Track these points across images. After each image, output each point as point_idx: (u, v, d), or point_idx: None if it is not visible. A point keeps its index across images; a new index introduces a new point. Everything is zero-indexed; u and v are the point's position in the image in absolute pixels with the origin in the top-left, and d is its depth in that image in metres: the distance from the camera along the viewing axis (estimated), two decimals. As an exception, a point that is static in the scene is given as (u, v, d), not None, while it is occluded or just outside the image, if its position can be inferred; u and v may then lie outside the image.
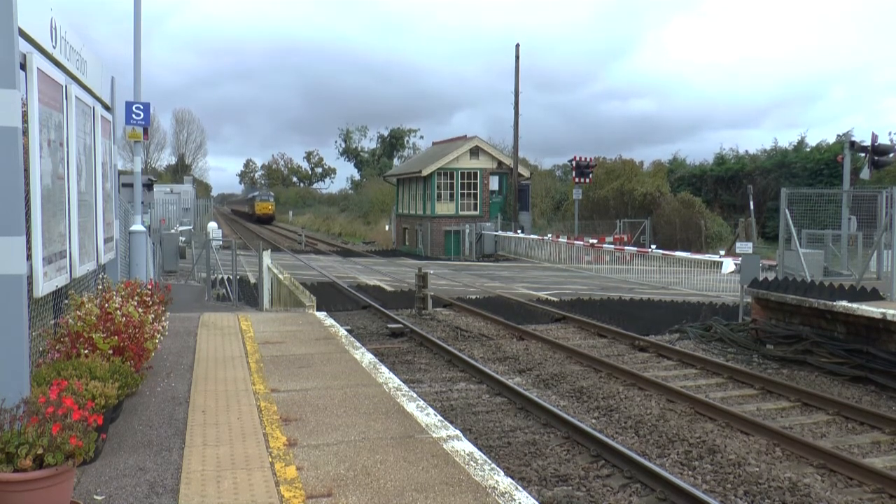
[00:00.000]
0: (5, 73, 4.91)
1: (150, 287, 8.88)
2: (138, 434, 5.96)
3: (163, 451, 5.55)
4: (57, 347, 6.51)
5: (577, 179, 43.36)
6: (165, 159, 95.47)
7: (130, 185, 14.90)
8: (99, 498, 4.68)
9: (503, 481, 4.96)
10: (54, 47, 6.82)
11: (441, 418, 6.51)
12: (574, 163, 43.71)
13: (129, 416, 6.42)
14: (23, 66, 5.56)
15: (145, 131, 14.37)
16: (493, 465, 5.29)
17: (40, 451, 4.12)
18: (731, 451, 8.38)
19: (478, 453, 5.54)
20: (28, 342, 5.24)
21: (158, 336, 7.72)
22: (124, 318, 6.94)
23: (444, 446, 5.66)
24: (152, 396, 7.13)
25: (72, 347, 6.41)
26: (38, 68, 5.88)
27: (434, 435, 5.96)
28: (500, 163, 45.77)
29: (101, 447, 5.29)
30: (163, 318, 8.26)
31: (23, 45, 5.55)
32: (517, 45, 43.30)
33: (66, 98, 7.05)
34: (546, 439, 8.92)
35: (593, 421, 9.73)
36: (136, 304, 7.60)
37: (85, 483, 4.88)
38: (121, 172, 14.28)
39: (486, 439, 8.85)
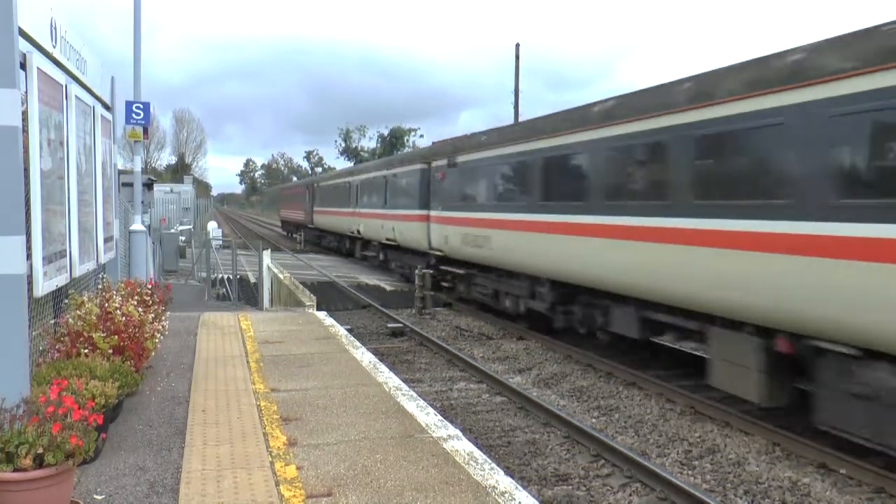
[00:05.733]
0: (5, 72, 4.88)
1: (150, 286, 8.87)
2: (138, 433, 5.95)
3: (163, 450, 5.54)
4: (57, 347, 6.49)
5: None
6: (165, 159, 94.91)
7: (130, 185, 14.87)
8: (99, 497, 4.66)
9: (503, 481, 4.96)
10: (54, 47, 6.79)
11: (441, 418, 6.53)
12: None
13: (129, 416, 6.41)
14: (23, 66, 5.53)
15: (145, 131, 14.31)
16: (493, 465, 5.30)
17: (40, 450, 4.09)
18: (730, 451, 8.39)
19: (478, 453, 5.54)
20: (28, 342, 5.21)
21: (158, 335, 7.71)
22: (124, 318, 6.93)
23: (444, 446, 5.66)
24: (152, 396, 7.11)
25: (72, 347, 6.40)
26: (37, 68, 5.86)
27: (434, 434, 5.97)
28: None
29: (101, 447, 5.28)
30: (163, 318, 8.27)
31: (23, 45, 5.53)
32: (517, 45, 43.13)
33: (66, 97, 7.02)
34: (546, 439, 8.94)
35: (593, 420, 9.75)
36: (136, 303, 7.58)
37: (85, 482, 4.87)
38: (121, 172, 14.27)
39: (487, 439, 8.85)
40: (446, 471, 5.11)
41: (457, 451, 5.56)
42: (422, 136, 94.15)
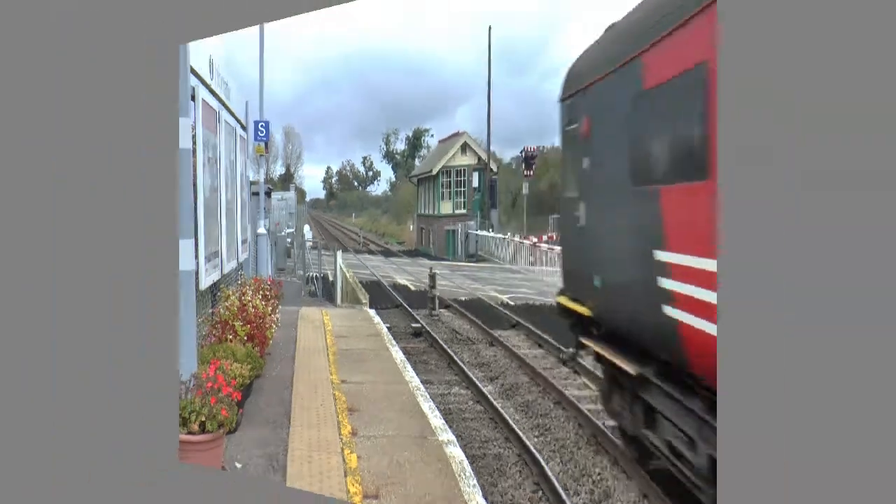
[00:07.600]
0: (182, 105, 4.52)
1: (269, 283, 8.66)
2: (262, 411, 5.63)
3: (277, 428, 5.25)
4: (213, 332, 6.39)
5: (525, 172, 30.95)
6: (277, 170, 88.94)
7: (256, 194, 14.27)
8: (239, 465, 4.59)
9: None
10: (212, 80, 6.38)
11: (444, 422, 5.70)
12: (523, 154, 31.51)
13: (257, 396, 6.06)
14: (192, 98, 5.28)
15: (266, 146, 13.58)
16: (475, 482, 4.44)
17: (203, 418, 4.12)
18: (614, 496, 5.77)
19: (466, 464, 4.73)
20: (195, 327, 5.19)
21: (274, 326, 7.46)
22: (254, 310, 6.76)
23: (445, 451, 4.96)
24: (268, 379, 6.67)
25: (222, 333, 6.31)
26: (202, 98, 5.63)
27: (439, 438, 5.23)
28: (479, 158, 33.06)
29: (240, 420, 5.10)
30: (277, 311, 7.98)
31: (192, 80, 5.24)
32: (489, 28, 34.72)
33: (219, 121, 6.65)
34: (507, 454, 6.82)
35: (535, 440, 7.16)
36: (260, 297, 7.39)
37: (228, 450, 4.65)
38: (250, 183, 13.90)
39: (471, 448, 6.93)
40: (443, 482, 4.33)
41: (453, 457, 4.79)
42: (432, 135, 76.61)
